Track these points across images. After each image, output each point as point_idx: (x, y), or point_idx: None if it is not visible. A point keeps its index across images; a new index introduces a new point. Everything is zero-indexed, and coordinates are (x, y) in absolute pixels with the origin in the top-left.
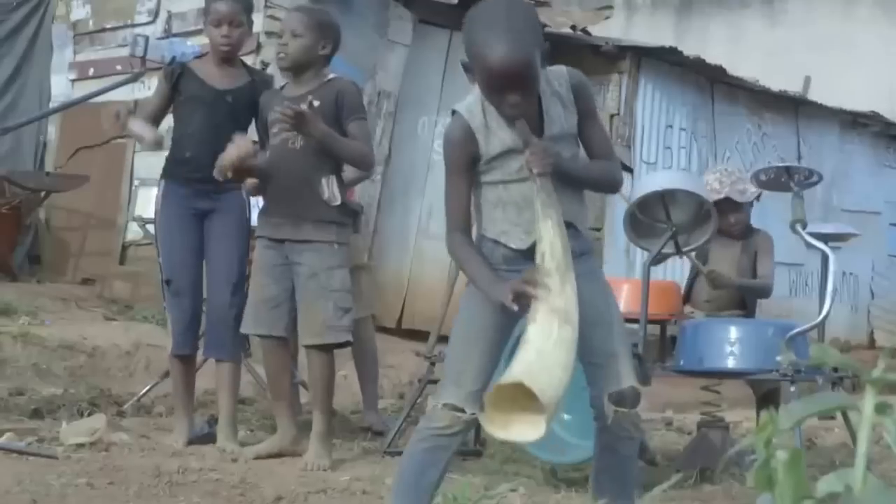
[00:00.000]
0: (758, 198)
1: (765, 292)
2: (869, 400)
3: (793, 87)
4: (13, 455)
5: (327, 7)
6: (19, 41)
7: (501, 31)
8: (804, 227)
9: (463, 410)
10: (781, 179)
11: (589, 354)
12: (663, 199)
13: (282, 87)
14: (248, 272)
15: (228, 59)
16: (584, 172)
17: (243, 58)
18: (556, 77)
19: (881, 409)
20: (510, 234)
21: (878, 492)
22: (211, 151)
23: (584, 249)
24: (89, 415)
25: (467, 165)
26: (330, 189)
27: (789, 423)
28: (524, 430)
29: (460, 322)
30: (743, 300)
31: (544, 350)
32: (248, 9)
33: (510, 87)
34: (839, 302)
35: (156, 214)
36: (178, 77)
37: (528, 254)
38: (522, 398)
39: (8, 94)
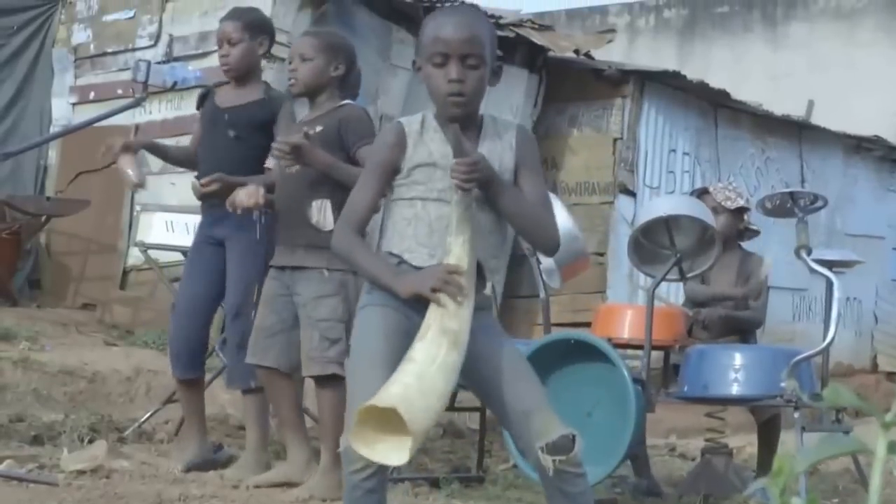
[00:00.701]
0: (751, 231)
1: (754, 324)
2: (882, 443)
3: (796, 110)
4: (13, 482)
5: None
6: (20, 65)
7: (453, 9)
8: (809, 254)
9: None
10: (787, 205)
11: (506, 412)
12: (667, 224)
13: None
14: (256, 298)
15: (238, 78)
16: (518, 205)
17: None
18: (505, 124)
19: (892, 448)
20: (415, 252)
21: None
22: (212, 172)
23: (481, 304)
24: (90, 441)
25: (387, 168)
26: (320, 213)
27: (804, 466)
28: (389, 452)
29: (356, 349)
30: (738, 330)
31: (425, 375)
32: (251, 25)
33: (451, 53)
34: (843, 327)
35: None
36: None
37: None
38: (393, 419)
39: (8, 118)
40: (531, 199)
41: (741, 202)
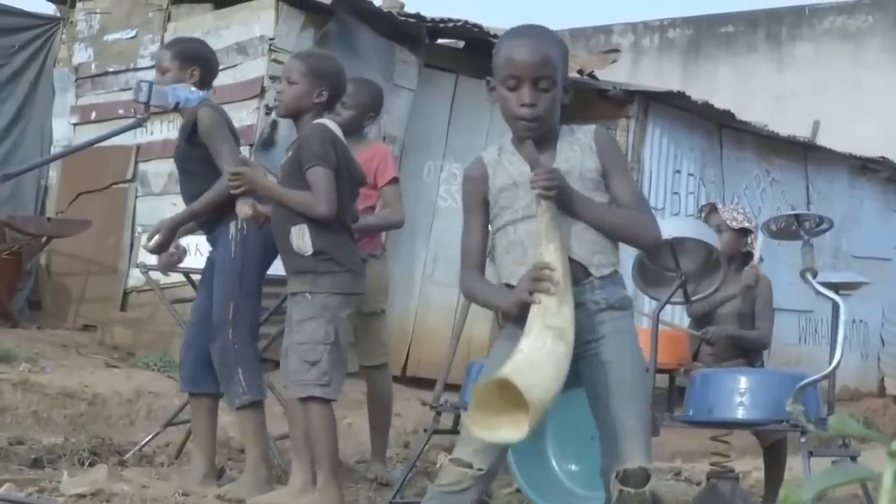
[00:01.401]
0: (751, 255)
1: (761, 345)
2: (889, 472)
3: (801, 131)
4: None
5: (332, 52)
6: (21, 85)
7: (526, 30)
8: (814, 276)
9: (471, 466)
10: (792, 228)
11: (603, 422)
12: (672, 247)
13: None
14: (235, 316)
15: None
16: (598, 213)
17: (248, 101)
18: (583, 130)
19: None
20: (517, 274)
21: None
22: (183, 193)
23: (614, 303)
24: (90, 464)
25: (480, 203)
26: (300, 238)
27: (810, 494)
28: (508, 431)
29: (482, 376)
30: (744, 348)
31: (535, 358)
32: (181, 54)
33: (524, 77)
34: (849, 349)
35: None
36: None
37: None
38: (509, 402)
39: (9, 138)
40: (623, 200)
41: (746, 224)
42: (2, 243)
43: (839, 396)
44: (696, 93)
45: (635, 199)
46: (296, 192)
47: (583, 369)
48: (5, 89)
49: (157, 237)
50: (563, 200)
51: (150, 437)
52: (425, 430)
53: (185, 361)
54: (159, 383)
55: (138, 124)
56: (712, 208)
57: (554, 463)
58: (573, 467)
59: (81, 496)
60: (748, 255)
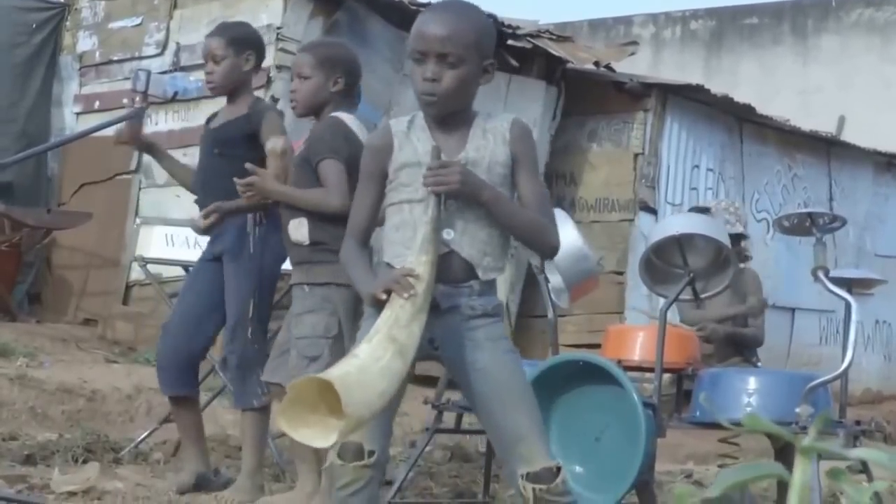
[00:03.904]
0: (744, 257)
1: (756, 341)
2: (799, 470)
3: (827, 126)
4: (1, 503)
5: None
6: (38, 69)
7: (443, 5)
8: (826, 274)
9: (363, 450)
10: (805, 224)
11: (494, 432)
12: (680, 243)
13: None
14: (253, 314)
15: (226, 95)
16: (508, 210)
17: (254, 91)
18: (501, 118)
19: (835, 474)
20: (401, 257)
21: None
22: (206, 191)
23: (488, 310)
24: (84, 461)
25: (377, 173)
26: (298, 231)
27: (717, 491)
28: (315, 434)
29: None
30: (739, 347)
31: (366, 371)
32: (236, 40)
33: (428, 52)
34: (871, 351)
35: None
36: None
37: None
38: (326, 403)
39: (32, 122)
40: (526, 199)
41: (740, 228)
42: (1, 235)
43: (861, 399)
44: (719, 86)
45: (539, 201)
46: (307, 192)
47: (459, 378)
48: (24, 70)
49: (212, 217)
50: (469, 193)
51: (146, 434)
52: (427, 429)
53: (169, 367)
54: None
55: (136, 114)
56: (704, 210)
57: None
58: (577, 469)
59: (72, 494)
60: (740, 258)
